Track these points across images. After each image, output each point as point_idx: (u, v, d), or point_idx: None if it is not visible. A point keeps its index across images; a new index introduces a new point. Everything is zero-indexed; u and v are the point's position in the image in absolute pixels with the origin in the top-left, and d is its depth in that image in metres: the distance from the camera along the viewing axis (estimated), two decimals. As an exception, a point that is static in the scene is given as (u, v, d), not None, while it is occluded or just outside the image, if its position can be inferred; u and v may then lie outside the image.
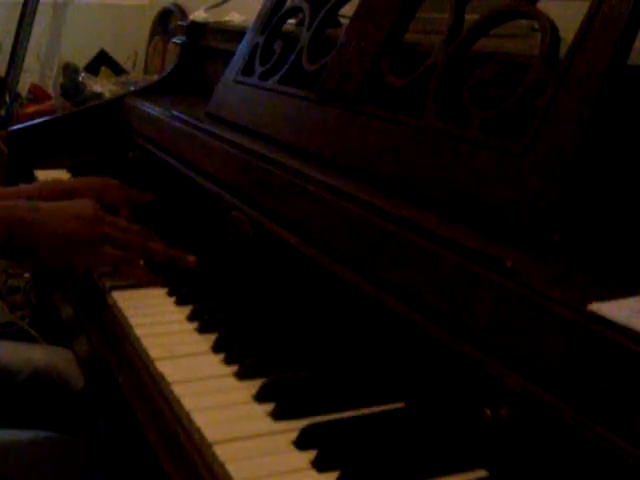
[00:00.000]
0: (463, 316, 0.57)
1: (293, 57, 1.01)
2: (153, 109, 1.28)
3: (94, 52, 3.01)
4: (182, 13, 2.75)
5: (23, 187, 1.05)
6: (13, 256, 0.90)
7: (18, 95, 2.79)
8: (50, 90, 2.70)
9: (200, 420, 0.61)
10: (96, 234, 0.87)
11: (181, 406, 0.63)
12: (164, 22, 2.96)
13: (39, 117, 1.51)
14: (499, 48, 0.79)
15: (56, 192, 0.98)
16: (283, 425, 0.60)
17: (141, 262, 0.92)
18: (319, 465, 0.55)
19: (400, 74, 0.83)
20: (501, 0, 0.74)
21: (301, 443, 0.57)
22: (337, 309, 0.74)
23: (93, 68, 2.86)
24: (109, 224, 0.89)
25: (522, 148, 0.64)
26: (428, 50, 0.79)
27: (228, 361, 0.70)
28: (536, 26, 0.70)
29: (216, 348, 0.73)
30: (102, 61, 2.96)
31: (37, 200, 0.92)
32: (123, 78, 2.62)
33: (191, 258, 0.92)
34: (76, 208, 0.89)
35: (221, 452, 0.57)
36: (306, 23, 1.02)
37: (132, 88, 1.71)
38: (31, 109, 2.58)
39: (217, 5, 1.70)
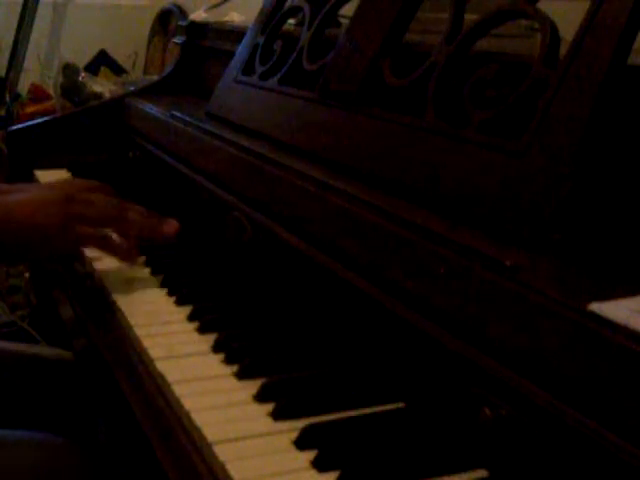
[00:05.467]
0: (462, 316, 0.57)
1: (293, 57, 1.01)
2: (153, 109, 1.28)
3: (94, 52, 3.01)
4: (182, 13, 2.75)
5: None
6: None
7: (18, 95, 2.79)
8: (50, 90, 2.69)
9: (200, 420, 0.61)
10: (66, 217, 0.85)
11: (181, 406, 0.63)
12: (164, 22, 2.97)
13: (39, 117, 1.51)
14: (499, 48, 0.79)
15: None
16: (283, 425, 0.60)
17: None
18: (319, 465, 0.55)
19: (400, 74, 0.83)
20: (501, 0, 0.74)
21: (301, 443, 0.57)
22: (337, 309, 0.74)
23: (93, 68, 2.87)
24: (81, 202, 0.87)
25: (522, 148, 0.64)
26: (428, 50, 0.79)
27: (228, 361, 0.70)
28: (536, 26, 0.70)
29: (216, 348, 0.73)
30: (102, 61, 2.97)
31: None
32: (123, 78, 2.62)
33: (168, 229, 0.91)
34: (43, 195, 0.87)
35: (221, 452, 0.57)
36: (306, 23, 1.02)
37: (132, 88, 1.71)
38: (31, 109, 2.58)
39: (217, 5, 1.70)
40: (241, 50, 1.15)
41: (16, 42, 2.88)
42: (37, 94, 2.74)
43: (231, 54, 1.17)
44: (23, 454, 0.81)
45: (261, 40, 1.11)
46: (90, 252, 0.95)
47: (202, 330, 0.77)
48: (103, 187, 0.99)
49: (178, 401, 0.64)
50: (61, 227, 0.85)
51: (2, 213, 0.84)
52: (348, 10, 0.98)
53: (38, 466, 0.79)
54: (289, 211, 0.82)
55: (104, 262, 0.92)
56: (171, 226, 0.91)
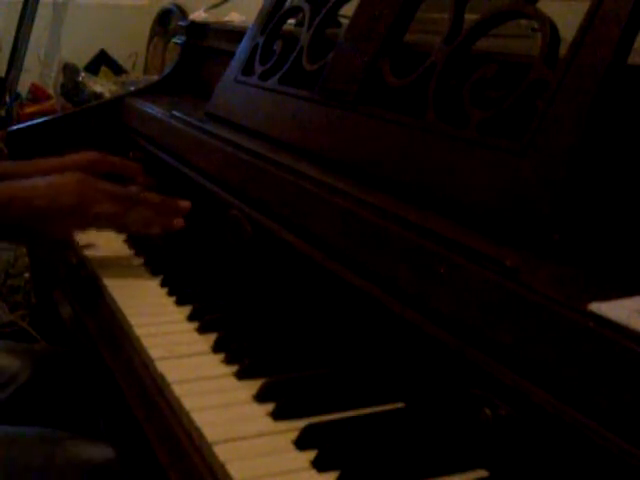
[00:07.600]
0: (463, 316, 0.57)
1: (293, 57, 1.01)
2: (153, 109, 1.28)
3: (94, 52, 3.01)
4: (182, 13, 2.76)
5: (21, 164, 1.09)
6: (9, 234, 0.95)
7: (18, 95, 2.79)
8: (50, 90, 2.70)
9: (200, 420, 0.61)
10: (82, 197, 0.90)
11: (181, 406, 0.63)
12: (164, 22, 2.97)
13: (39, 117, 1.50)
14: (499, 48, 0.79)
15: (47, 169, 1.02)
16: (283, 425, 0.60)
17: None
18: (319, 465, 0.55)
19: (400, 74, 0.83)
20: (501, 0, 0.74)
21: (301, 443, 0.57)
22: (337, 309, 0.74)
23: (93, 68, 2.87)
24: (96, 187, 0.92)
25: (522, 148, 0.64)
26: (428, 50, 0.79)
27: (228, 361, 0.70)
28: (536, 26, 0.70)
29: (216, 348, 0.73)
30: (102, 61, 2.97)
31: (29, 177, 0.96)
32: (123, 78, 2.62)
33: (184, 203, 0.96)
34: (61, 179, 0.92)
35: (221, 452, 0.57)
36: (306, 23, 1.02)
37: (132, 88, 1.71)
38: (31, 109, 2.58)
39: (217, 5, 1.70)
40: (241, 50, 1.14)
41: (16, 42, 2.88)
42: (37, 94, 2.75)
43: (231, 54, 1.17)
44: (31, 449, 0.82)
45: (261, 40, 1.11)
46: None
47: (202, 330, 0.77)
48: (132, 164, 1.11)
49: (178, 401, 0.64)
50: (76, 205, 0.90)
51: (21, 196, 0.90)
52: (348, 10, 0.98)
53: (45, 460, 0.80)
54: (289, 211, 0.82)
55: (98, 249, 0.96)
56: (184, 206, 0.97)
